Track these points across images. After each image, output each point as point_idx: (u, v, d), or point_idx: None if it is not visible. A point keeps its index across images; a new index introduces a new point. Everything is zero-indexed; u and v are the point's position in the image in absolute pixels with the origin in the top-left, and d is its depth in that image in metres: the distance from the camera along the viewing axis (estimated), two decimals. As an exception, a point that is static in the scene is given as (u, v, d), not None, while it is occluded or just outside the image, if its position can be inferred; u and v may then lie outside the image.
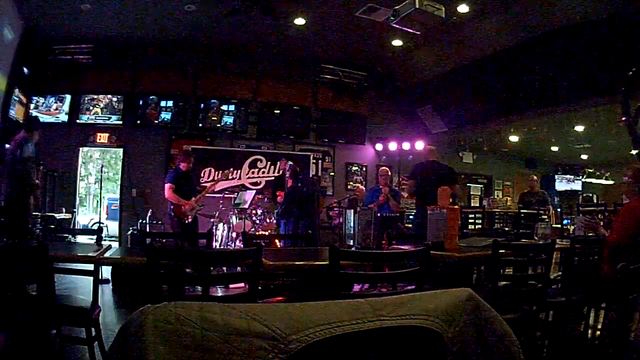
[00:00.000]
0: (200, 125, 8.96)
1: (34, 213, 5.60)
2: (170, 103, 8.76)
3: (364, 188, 8.22)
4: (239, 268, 2.74)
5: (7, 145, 5.64)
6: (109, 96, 8.55)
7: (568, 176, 14.83)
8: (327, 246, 2.28)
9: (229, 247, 6.71)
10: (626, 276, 1.89)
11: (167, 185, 6.09)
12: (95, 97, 8.52)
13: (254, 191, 7.53)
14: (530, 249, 3.18)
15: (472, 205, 11.16)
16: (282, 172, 6.93)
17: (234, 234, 6.89)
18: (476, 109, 8.94)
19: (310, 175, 8.97)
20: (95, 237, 3.13)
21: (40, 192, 5.93)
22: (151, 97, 8.70)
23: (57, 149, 7.99)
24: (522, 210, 7.71)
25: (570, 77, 6.96)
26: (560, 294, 3.09)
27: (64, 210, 7.68)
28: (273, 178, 8.66)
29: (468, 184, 13.21)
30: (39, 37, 7.62)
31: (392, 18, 5.89)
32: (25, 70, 7.45)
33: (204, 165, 8.80)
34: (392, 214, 6.22)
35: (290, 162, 6.68)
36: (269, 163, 9.25)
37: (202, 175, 8.73)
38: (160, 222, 7.50)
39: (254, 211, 7.26)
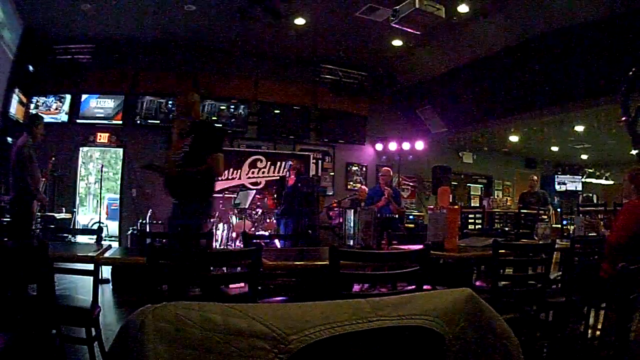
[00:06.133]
0: (200, 125, 8.95)
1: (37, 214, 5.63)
2: (170, 103, 8.77)
3: (366, 188, 8.23)
4: (239, 268, 2.74)
5: (10, 139, 5.65)
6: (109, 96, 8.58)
7: (568, 176, 14.83)
8: (327, 246, 2.28)
9: (229, 247, 6.71)
10: (626, 276, 1.88)
11: None
12: (96, 96, 8.55)
13: (254, 191, 7.54)
14: (530, 249, 3.18)
15: (472, 205, 11.16)
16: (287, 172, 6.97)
17: (234, 234, 6.89)
18: (476, 109, 8.94)
19: (311, 175, 8.98)
20: (95, 237, 3.13)
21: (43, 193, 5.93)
22: (151, 97, 8.70)
23: (57, 149, 7.99)
24: (522, 210, 7.71)
25: (570, 77, 6.96)
26: (560, 294, 3.09)
27: (64, 210, 7.68)
28: (278, 178, 8.69)
29: (468, 184, 13.21)
30: (39, 37, 7.62)
31: (392, 18, 5.88)
32: (30, 67, 7.44)
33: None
34: (392, 215, 6.23)
35: (293, 161, 6.68)
36: (269, 163, 9.25)
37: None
38: (160, 222, 7.49)
39: (253, 211, 7.26)
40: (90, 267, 2.60)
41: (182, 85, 8.84)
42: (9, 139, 6.36)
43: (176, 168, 3.54)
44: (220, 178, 4.55)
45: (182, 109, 3.74)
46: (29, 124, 5.29)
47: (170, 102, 8.75)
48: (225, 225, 7.01)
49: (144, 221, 7.39)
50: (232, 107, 9.12)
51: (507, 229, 7.13)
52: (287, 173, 6.24)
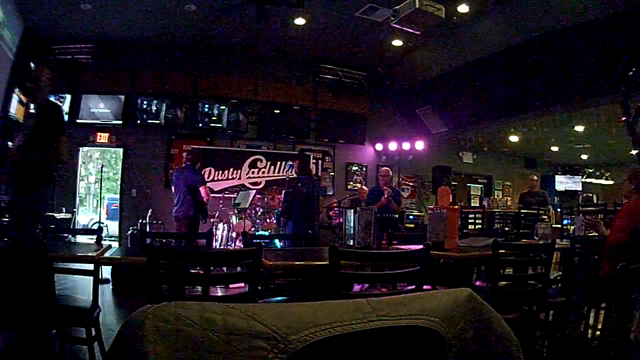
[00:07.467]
0: (200, 125, 8.96)
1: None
2: (170, 103, 8.77)
3: (366, 188, 8.23)
4: (239, 268, 2.74)
5: (10, 143, 5.64)
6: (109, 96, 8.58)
7: (568, 176, 14.83)
8: (327, 246, 2.28)
9: (229, 247, 6.71)
10: (626, 276, 1.89)
11: (206, 187, 6.07)
12: (96, 97, 8.55)
13: (254, 191, 7.54)
14: (530, 249, 3.18)
15: (472, 205, 11.16)
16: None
17: (234, 234, 6.89)
18: (476, 109, 8.94)
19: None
20: (95, 237, 3.13)
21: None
22: (151, 97, 8.70)
23: (57, 149, 8.00)
24: (522, 210, 7.71)
25: (570, 77, 6.96)
26: (560, 294, 3.10)
27: (64, 210, 7.67)
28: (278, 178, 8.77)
29: (468, 184, 13.21)
30: (39, 37, 7.61)
31: (392, 18, 5.88)
32: (32, 65, 7.42)
33: (203, 165, 8.80)
34: (392, 215, 6.23)
35: (291, 162, 6.68)
36: (269, 163, 9.26)
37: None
38: (160, 222, 7.50)
39: (253, 211, 7.26)
40: (90, 267, 2.60)
41: (182, 85, 8.88)
42: (10, 143, 6.36)
43: (16, 152, 3.15)
44: (63, 164, 4.05)
45: (32, 84, 3.36)
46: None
47: (168, 103, 8.77)
48: (225, 225, 7.01)
49: (144, 221, 7.40)
50: (232, 107, 9.12)
51: (507, 229, 7.14)
52: (291, 171, 6.28)
